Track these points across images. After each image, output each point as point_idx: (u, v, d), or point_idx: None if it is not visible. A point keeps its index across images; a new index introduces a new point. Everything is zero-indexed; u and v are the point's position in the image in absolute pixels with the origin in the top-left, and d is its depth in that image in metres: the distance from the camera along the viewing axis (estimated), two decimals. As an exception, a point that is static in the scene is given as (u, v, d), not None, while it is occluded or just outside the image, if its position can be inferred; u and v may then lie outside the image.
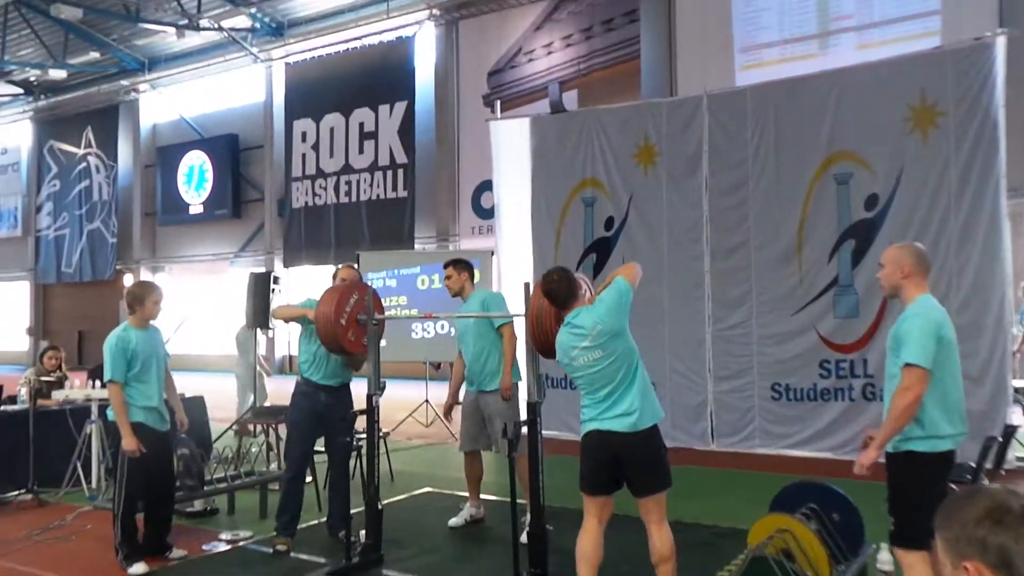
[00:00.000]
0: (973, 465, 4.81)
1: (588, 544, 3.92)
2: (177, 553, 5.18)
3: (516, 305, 5.22)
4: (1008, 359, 6.98)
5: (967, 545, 1.39)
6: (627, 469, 3.82)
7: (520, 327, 4.91)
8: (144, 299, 5.07)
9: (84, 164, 25.62)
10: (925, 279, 3.46)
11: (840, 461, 7.42)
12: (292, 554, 5.20)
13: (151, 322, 5.18)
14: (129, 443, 4.84)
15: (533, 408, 4.30)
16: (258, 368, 9.71)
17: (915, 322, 3.32)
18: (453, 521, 5.83)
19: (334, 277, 5.53)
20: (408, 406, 11.01)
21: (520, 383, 5.62)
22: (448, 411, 6.12)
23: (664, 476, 3.85)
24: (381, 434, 5.55)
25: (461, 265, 5.82)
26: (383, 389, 4.97)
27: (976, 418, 6.99)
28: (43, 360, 7.76)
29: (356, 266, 7.52)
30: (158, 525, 5.19)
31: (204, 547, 5.39)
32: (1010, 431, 5.46)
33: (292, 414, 5.47)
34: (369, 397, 4.94)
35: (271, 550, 5.23)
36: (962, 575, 1.40)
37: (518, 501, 4.53)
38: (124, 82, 24.24)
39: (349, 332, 4.84)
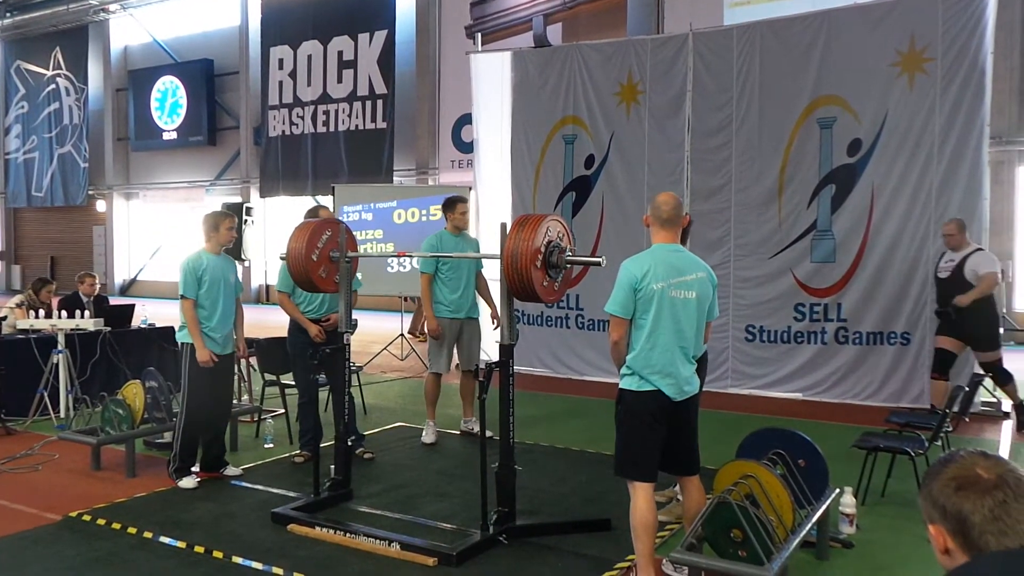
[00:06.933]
0: (939, 412, 4.87)
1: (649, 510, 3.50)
2: (232, 470, 5.41)
3: (492, 245, 5.15)
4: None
5: (932, 508, 1.41)
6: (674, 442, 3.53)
7: (495, 268, 4.83)
8: (219, 225, 5.30)
9: (53, 86, 24.85)
10: (664, 229, 3.60)
11: (809, 402, 7.56)
12: (261, 487, 5.22)
13: (223, 250, 5.37)
14: (202, 354, 5.11)
15: (507, 350, 4.25)
16: None
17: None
18: None
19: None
20: (383, 339, 10.99)
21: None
22: None
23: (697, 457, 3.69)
24: (354, 368, 5.57)
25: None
26: (355, 327, 4.97)
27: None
28: (39, 293, 7.75)
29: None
30: (214, 443, 5.40)
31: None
32: (977, 379, 5.53)
33: (292, 347, 5.80)
34: (340, 335, 4.90)
35: (242, 482, 5.30)
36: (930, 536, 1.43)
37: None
38: (93, 1, 23.37)
39: (320, 269, 4.75)
